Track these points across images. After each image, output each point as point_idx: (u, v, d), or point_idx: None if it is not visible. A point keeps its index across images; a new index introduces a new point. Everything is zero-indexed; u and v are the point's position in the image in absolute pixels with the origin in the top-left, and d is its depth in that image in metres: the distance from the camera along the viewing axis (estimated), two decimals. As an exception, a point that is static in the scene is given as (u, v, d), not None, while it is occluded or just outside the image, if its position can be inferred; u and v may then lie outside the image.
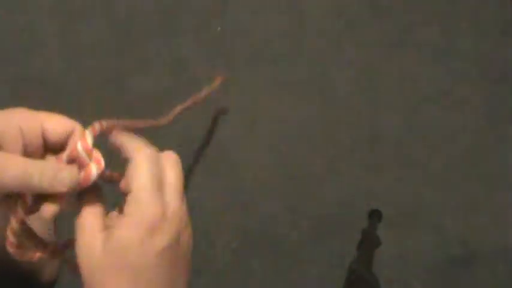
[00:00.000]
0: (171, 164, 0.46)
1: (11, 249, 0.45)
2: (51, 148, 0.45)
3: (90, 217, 0.43)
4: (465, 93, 1.32)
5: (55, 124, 0.44)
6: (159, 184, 0.43)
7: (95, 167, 0.45)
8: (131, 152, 0.44)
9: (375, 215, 1.26)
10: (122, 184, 0.45)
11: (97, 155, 0.45)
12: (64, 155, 0.44)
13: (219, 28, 1.34)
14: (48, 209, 0.42)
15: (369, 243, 1.21)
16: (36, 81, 1.29)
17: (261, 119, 1.31)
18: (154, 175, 0.43)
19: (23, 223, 0.44)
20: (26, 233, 0.46)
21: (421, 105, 1.32)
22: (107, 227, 0.43)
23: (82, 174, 0.44)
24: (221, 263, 1.26)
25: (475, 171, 1.29)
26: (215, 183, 1.28)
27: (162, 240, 0.42)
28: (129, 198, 0.43)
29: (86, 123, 0.48)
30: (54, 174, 0.41)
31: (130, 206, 0.42)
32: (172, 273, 0.43)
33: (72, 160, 0.44)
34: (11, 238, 0.44)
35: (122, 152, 0.45)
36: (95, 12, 1.33)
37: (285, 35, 1.34)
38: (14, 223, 0.44)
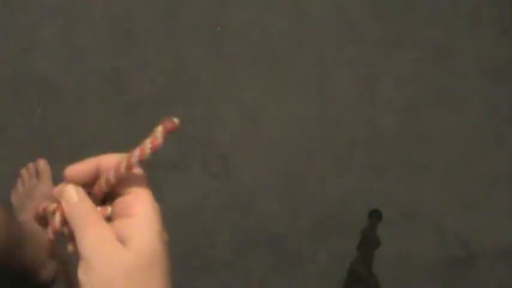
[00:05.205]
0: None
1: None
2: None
3: (108, 232, 0.44)
4: (465, 93, 1.32)
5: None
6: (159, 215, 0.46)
7: None
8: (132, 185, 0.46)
9: (374, 215, 1.26)
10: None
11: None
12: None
13: (219, 28, 1.34)
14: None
15: (369, 243, 1.21)
16: (36, 81, 1.29)
17: (260, 119, 1.31)
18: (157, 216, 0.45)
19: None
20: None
21: (421, 105, 1.32)
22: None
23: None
24: (221, 263, 1.26)
25: (475, 171, 1.30)
26: (215, 183, 1.28)
27: (161, 271, 0.44)
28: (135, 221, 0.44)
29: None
30: None
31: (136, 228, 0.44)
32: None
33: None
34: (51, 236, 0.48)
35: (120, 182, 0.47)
36: (95, 12, 1.33)
37: (285, 35, 1.34)
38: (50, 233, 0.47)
